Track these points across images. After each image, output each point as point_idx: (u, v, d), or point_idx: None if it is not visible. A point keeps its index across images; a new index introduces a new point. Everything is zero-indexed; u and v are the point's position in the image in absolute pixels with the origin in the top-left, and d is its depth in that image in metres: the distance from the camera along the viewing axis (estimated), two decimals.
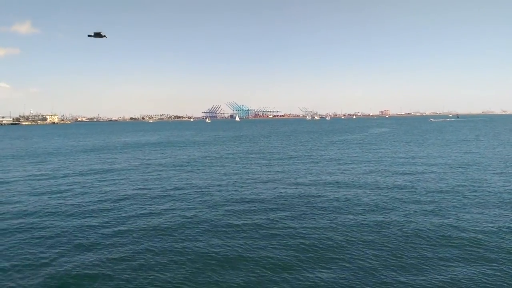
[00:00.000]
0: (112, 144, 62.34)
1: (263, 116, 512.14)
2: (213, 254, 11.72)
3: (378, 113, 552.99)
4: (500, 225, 14.01)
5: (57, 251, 12.22)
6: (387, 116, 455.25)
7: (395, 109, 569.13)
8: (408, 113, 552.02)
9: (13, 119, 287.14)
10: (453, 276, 10.01)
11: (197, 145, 56.76)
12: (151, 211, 16.90)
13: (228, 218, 15.67)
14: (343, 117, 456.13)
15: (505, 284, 9.53)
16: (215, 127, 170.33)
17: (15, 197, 20.50)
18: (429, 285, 9.53)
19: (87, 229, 14.39)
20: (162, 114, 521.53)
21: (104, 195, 20.65)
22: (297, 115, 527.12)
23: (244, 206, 17.54)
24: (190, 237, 13.33)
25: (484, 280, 9.78)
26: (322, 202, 18.02)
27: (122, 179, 25.97)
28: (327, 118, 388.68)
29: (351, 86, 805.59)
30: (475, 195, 18.88)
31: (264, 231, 13.86)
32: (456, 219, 14.86)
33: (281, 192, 20.47)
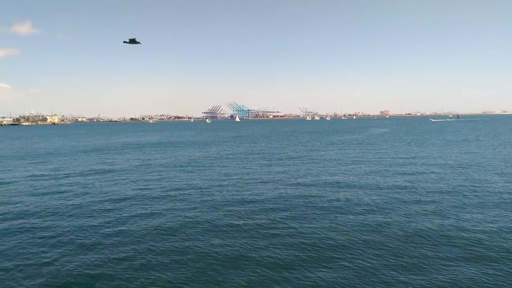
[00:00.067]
0: (112, 144, 62.39)
1: (263, 116, 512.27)
2: (214, 254, 11.75)
3: (378, 113, 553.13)
4: (500, 225, 14.03)
5: (58, 251, 12.25)
6: (387, 117, 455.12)
7: (395, 109, 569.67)
8: (408, 113, 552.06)
9: (13, 119, 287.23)
10: (453, 275, 10.03)
11: (198, 146, 56.79)
12: (152, 211, 16.93)
13: (229, 218, 15.70)
14: (343, 117, 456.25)
15: (506, 284, 9.55)
16: (215, 127, 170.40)
17: (16, 197, 20.54)
18: (430, 285, 9.56)
19: (88, 229, 14.43)
20: (162, 115, 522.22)
21: (105, 195, 20.68)
22: (297, 116, 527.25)
23: (245, 206, 17.57)
24: (191, 237, 13.36)
25: (484, 279, 9.80)
26: (323, 202, 18.05)
27: (122, 179, 26.01)
28: (327, 118, 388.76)
29: (351, 86, 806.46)
30: (476, 195, 18.90)
31: (265, 231, 13.88)
32: (457, 219, 14.88)
33: (281, 192, 20.50)
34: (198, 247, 12.40)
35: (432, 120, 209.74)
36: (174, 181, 24.73)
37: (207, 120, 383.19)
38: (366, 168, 29.20)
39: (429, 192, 19.88)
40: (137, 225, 14.83)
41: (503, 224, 14.08)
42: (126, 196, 20.23)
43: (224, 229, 14.28)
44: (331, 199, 18.65)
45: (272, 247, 12.26)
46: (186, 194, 20.63)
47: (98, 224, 15.12)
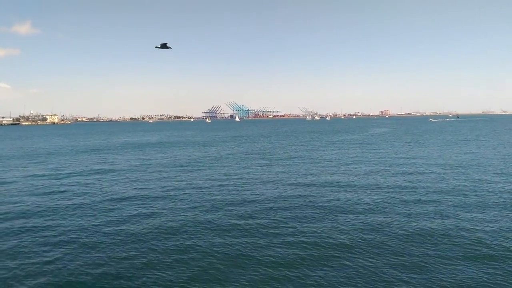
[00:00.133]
0: (112, 144, 62.40)
1: (263, 116, 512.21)
2: (215, 254, 11.79)
3: (378, 113, 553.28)
4: (500, 224, 14.07)
5: (60, 250, 12.29)
6: (387, 116, 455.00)
7: (395, 109, 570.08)
8: (408, 113, 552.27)
9: (13, 119, 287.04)
10: (454, 274, 10.07)
11: (198, 145, 56.82)
12: (153, 211, 16.97)
13: (229, 217, 15.74)
14: (343, 117, 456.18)
15: (506, 283, 9.59)
16: (215, 127, 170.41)
17: (17, 197, 20.57)
18: (430, 284, 9.60)
19: (89, 229, 14.46)
20: (162, 114, 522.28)
21: (105, 195, 20.71)
22: (297, 115, 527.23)
23: (245, 206, 17.60)
24: (192, 236, 13.40)
25: (485, 278, 9.85)
26: (323, 202, 18.09)
27: (123, 179, 26.04)
28: (327, 118, 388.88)
29: (351, 86, 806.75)
30: (476, 195, 18.95)
31: (266, 230, 13.92)
32: (457, 218, 14.92)
33: (281, 192, 20.53)
34: (199, 246, 12.44)
35: (432, 120, 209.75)
36: (175, 181, 24.76)
37: (207, 120, 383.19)
38: (366, 167, 29.23)
39: (429, 191, 19.92)
40: (138, 225, 14.86)
41: (503, 224, 14.12)
42: (127, 196, 20.26)
43: (225, 228, 14.31)
44: (331, 199, 18.68)
45: (273, 246, 12.29)
46: (186, 193, 20.66)
47: (99, 223, 15.16)
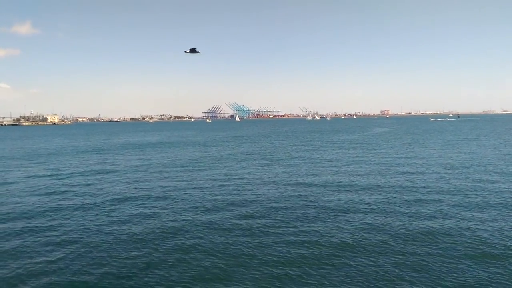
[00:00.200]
0: (113, 144, 62.47)
1: (264, 116, 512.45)
2: (217, 253, 11.82)
3: (379, 113, 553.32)
4: (501, 223, 14.09)
5: (62, 250, 12.33)
6: (387, 116, 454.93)
7: (395, 109, 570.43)
8: (409, 113, 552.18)
9: (14, 119, 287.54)
10: (455, 273, 10.10)
11: (198, 145, 56.86)
12: (154, 211, 17.01)
13: (231, 217, 15.77)
14: (343, 117, 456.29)
15: (507, 282, 9.62)
16: (216, 127, 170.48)
17: (19, 197, 20.62)
18: (431, 282, 9.62)
19: (91, 229, 14.50)
20: (163, 115, 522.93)
21: (107, 195, 20.76)
22: (298, 115, 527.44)
23: (247, 206, 17.64)
24: (193, 236, 13.44)
25: (486, 277, 9.87)
26: (324, 202, 18.12)
27: (124, 179, 26.09)
28: (328, 118, 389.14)
29: (351, 86, 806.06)
30: (477, 194, 18.96)
31: (267, 230, 13.95)
32: (458, 218, 14.94)
33: (282, 192, 20.57)
34: (200, 246, 12.48)
35: (432, 119, 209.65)
36: (175, 181, 24.80)
37: (207, 120, 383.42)
38: (367, 167, 29.26)
39: (430, 191, 19.94)
40: (140, 225, 14.90)
41: (504, 223, 14.14)
42: (128, 196, 20.31)
43: (226, 228, 14.35)
44: (332, 199, 18.71)
45: (275, 246, 12.32)
46: (187, 193, 20.70)
47: (101, 223, 15.20)
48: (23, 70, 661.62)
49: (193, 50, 31.51)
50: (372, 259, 11.15)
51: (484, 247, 11.82)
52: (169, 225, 14.80)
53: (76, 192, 21.78)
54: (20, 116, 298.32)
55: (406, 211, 16.15)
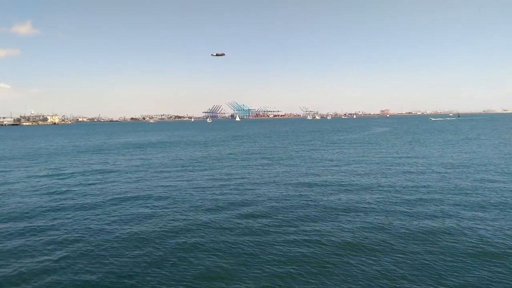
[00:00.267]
0: (114, 144, 62.53)
1: (264, 116, 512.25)
2: (219, 253, 11.85)
3: (379, 113, 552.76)
4: (502, 223, 14.12)
5: (64, 250, 12.36)
6: (387, 116, 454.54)
7: (395, 109, 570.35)
8: (409, 113, 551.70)
9: (14, 119, 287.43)
10: (455, 273, 10.13)
11: (199, 145, 56.91)
12: (155, 211, 17.05)
13: (232, 217, 15.80)
14: (343, 117, 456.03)
15: (508, 281, 9.64)
16: (216, 127, 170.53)
17: (20, 197, 20.66)
18: (432, 281, 9.65)
19: (93, 228, 14.54)
20: (163, 114, 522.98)
21: (108, 195, 20.80)
22: (298, 115, 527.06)
23: (247, 205, 17.67)
24: (195, 236, 13.47)
25: (487, 277, 9.90)
26: (324, 201, 18.15)
27: (125, 179, 26.13)
28: (328, 117, 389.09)
29: (351, 86, 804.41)
30: (478, 194, 18.99)
31: (268, 229, 13.98)
32: (459, 217, 14.97)
33: (283, 192, 20.60)
34: (202, 245, 12.51)
35: (433, 119, 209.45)
36: (176, 181, 24.84)
37: (208, 119, 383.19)
38: (367, 167, 29.28)
39: (430, 190, 19.97)
40: (141, 224, 14.94)
41: (505, 222, 14.17)
42: (129, 196, 20.35)
43: (227, 227, 14.38)
44: (332, 198, 18.74)
45: (276, 245, 12.36)
46: (188, 193, 20.74)
47: (102, 223, 15.24)
48: (23, 70, 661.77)
49: (219, 54, 32.73)
50: (373, 258, 11.18)
51: (485, 246, 11.85)
52: (170, 224, 14.84)
53: (77, 191, 21.82)
54: (21, 116, 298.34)
55: (407, 210, 16.18)
